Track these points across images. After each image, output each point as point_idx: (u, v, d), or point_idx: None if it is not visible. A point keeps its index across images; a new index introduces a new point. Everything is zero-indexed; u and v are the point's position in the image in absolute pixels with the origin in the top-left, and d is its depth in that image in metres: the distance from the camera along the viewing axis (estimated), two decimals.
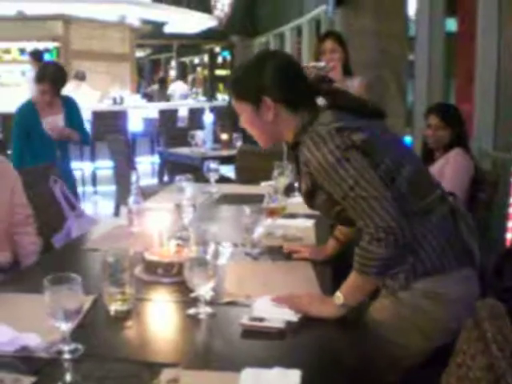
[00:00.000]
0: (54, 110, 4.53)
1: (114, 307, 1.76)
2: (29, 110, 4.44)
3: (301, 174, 1.97)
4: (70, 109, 4.63)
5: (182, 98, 13.30)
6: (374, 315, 1.91)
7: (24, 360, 1.46)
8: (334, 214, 1.94)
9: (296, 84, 1.96)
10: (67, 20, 11.94)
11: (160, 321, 1.80)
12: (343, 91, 2.04)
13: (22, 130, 4.43)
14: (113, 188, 6.62)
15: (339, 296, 1.78)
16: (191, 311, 1.74)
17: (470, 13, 4.97)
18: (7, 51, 11.90)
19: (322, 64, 3.86)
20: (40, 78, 4.36)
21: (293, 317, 1.71)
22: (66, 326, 1.46)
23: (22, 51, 11.53)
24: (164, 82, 15.08)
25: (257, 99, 1.91)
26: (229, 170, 5.88)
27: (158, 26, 15.67)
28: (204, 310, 1.73)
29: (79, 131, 4.67)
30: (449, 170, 3.31)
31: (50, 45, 11.79)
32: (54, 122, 4.45)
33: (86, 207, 5.87)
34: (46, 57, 11.36)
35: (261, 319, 1.66)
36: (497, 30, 4.19)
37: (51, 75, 4.40)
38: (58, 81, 4.48)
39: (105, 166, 8.30)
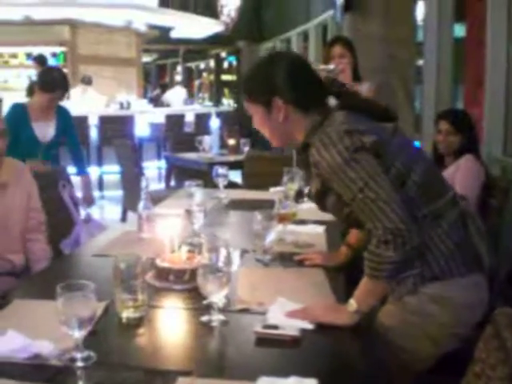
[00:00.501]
0: (47, 116, 4.41)
1: (127, 314, 1.74)
2: (19, 113, 4.32)
3: (311, 175, 1.96)
4: (63, 118, 4.53)
5: (182, 104, 13.28)
6: (383, 321, 1.91)
7: (36, 368, 1.45)
8: (344, 216, 1.93)
9: (306, 85, 1.95)
10: (74, 25, 11.97)
11: (172, 328, 1.78)
12: (354, 92, 2.04)
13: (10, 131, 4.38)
14: (119, 193, 6.61)
15: (352, 303, 1.77)
16: (204, 318, 1.72)
17: (478, 18, 4.96)
18: (14, 56, 11.95)
19: (331, 66, 3.85)
20: (53, 86, 4.27)
21: (307, 324, 1.69)
22: (78, 334, 1.45)
23: (29, 56, 11.56)
24: (166, 88, 15.10)
25: (268, 100, 1.92)
26: (236, 176, 5.86)
27: (164, 31, 15.69)
28: (217, 318, 1.72)
29: (71, 141, 4.60)
30: (460, 177, 3.29)
31: (57, 49, 11.83)
32: (44, 127, 4.39)
33: (93, 212, 5.86)
34: (53, 62, 11.42)
35: (275, 327, 1.65)
36: (506, 34, 4.18)
37: (63, 82, 4.35)
38: (68, 87, 4.44)
39: (111, 171, 8.31)
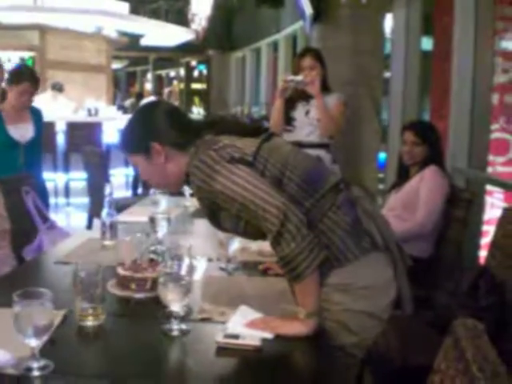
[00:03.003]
0: (22, 118, 4.36)
1: (86, 323, 1.72)
2: None
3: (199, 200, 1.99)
4: (39, 121, 4.49)
5: None
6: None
7: None
8: (242, 229, 1.94)
9: (179, 125, 2.00)
10: (43, 30, 11.88)
11: (132, 337, 1.75)
12: (224, 119, 2.11)
13: None
14: (86, 200, 6.54)
15: (300, 310, 1.77)
16: (165, 327, 1.71)
17: (445, 32, 5.02)
18: None
19: (299, 78, 3.87)
20: (19, 78, 4.21)
21: (268, 333, 1.69)
22: (35, 342, 1.43)
23: None
24: (141, 97, 15.03)
25: (145, 147, 1.95)
26: None
27: (134, 38, 15.64)
28: (178, 327, 1.70)
29: (37, 142, 4.54)
30: (424, 188, 3.32)
31: (26, 54, 11.71)
32: (22, 130, 4.33)
33: (59, 219, 5.78)
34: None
35: (236, 336, 1.64)
36: (472, 48, 4.23)
37: (30, 75, 4.29)
38: (37, 82, 4.35)
39: (78, 178, 8.22)
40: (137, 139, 2.00)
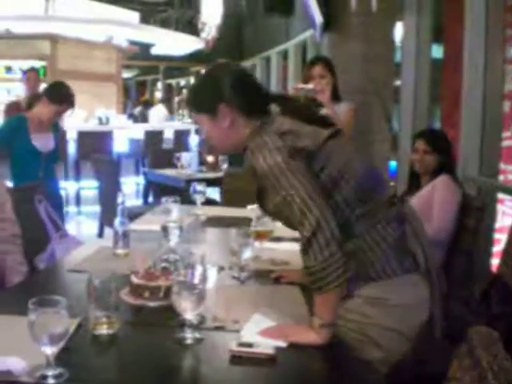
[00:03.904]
0: (44, 128, 4.42)
1: (100, 331, 1.72)
2: (19, 124, 4.31)
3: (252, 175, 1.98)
4: (57, 131, 4.57)
5: (162, 122, 13.26)
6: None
7: None
8: (284, 218, 1.94)
9: (250, 91, 2.00)
10: (55, 39, 11.96)
11: (146, 345, 1.76)
12: (294, 98, 2.09)
13: (4, 138, 4.34)
14: (97, 208, 6.57)
15: (315, 319, 1.77)
16: (178, 336, 1.71)
17: (456, 39, 5.02)
18: None
19: (310, 86, 3.87)
20: (63, 99, 4.29)
21: (282, 342, 1.69)
22: (50, 350, 1.43)
23: (9, 69, 11.50)
24: (148, 105, 15.09)
25: (213, 108, 1.95)
26: (214, 193, 5.86)
27: (145, 48, 15.71)
28: (191, 335, 1.71)
29: (56, 154, 4.62)
30: (437, 198, 3.31)
31: (37, 64, 11.77)
32: (44, 140, 4.38)
33: (70, 227, 5.81)
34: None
35: (249, 345, 1.64)
36: (483, 56, 4.23)
37: (71, 98, 4.36)
38: (74, 105, 4.45)
39: (89, 186, 8.25)
40: (206, 98, 2.00)
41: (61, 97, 4.29)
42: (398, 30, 6.40)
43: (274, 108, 1.99)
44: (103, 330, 1.73)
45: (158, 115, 13.42)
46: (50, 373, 1.45)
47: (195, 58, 18.35)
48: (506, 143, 4.62)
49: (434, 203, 3.30)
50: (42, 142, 4.35)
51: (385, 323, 1.85)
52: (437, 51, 6.13)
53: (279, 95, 2.08)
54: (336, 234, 1.73)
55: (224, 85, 1.96)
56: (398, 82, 6.36)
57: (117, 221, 2.61)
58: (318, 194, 1.77)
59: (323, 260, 1.70)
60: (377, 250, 1.84)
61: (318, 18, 6.46)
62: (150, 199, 6.83)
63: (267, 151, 1.81)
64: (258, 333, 1.73)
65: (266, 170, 1.81)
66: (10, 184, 4.28)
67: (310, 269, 1.74)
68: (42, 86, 6.84)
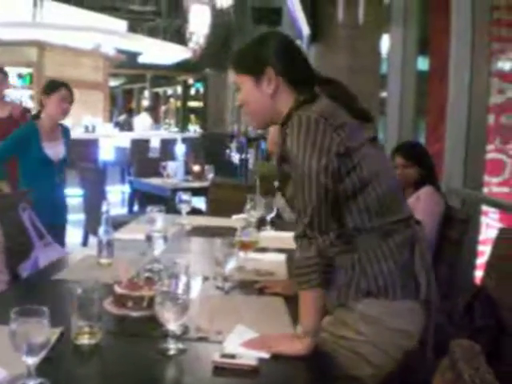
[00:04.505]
0: (56, 136, 4.30)
1: (82, 341, 1.71)
2: (32, 130, 4.17)
3: (280, 152, 1.96)
4: (68, 138, 4.44)
5: (147, 130, 13.23)
6: (322, 349, 1.86)
7: None
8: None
9: (299, 62, 1.98)
10: (42, 46, 11.93)
11: (129, 356, 1.74)
12: (339, 82, 2.03)
13: (15, 146, 4.16)
14: (81, 216, 6.53)
15: (298, 327, 1.78)
16: (161, 346, 1.70)
17: (442, 52, 5.06)
18: None
19: None
20: (56, 85, 4.18)
21: (265, 353, 1.68)
22: (31, 360, 1.42)
23: None
24: (132, 112, 15.10)
25: (259, 70, 1.92)
26: (199, 202, 5.85)
27: (132, 56, 15.71)
28: (174, 346, 1.70)
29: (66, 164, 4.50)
30: (420, 208, 3.32)
31: (24, 70, 11.75)
32: (55, 146, 4.26)
33: None
34: (19, 82, 11.34)
35: (232, 356, 1.63)
36: (469, 68, 4.26)
37: (64, 84, 4.25)
38: (71, 89, 4.29)
39: (74, 194, 8.20)
40: (254, 59, 1.95)
41: (54, 84, 4.15)
42: (385, 42, 6.45)
43: (317, 89, 1.93)
44: (85, 340, 1.71)
45: (142, 123, 13.41)
46: (31, 383, 1.43)
47: (182, 67, 18.40)
48: (490, 156, 4.65)
49: (417, 214, 3.31)
50: (54, 150, 4.24)
51: (377, 342, 1.83)
52: (423, 63, 6.18)
53: (326, 78, 2.00)
54: (323, 242, 1.74)
55: (275, 49, 1.93)
56: (383, 94, 6.40)
57: (101, 229, 2.60)
58: (323, 196, 1.76)
59: (300, 259, 1.76)
60: (384, 266, 1.82)
61: (305, 29, 6.49)
62: (136, 208, 6.81)
63: (306, 129, 1.76)
64: (241, 344, 1.73)
65: (299, 144, 1.76)
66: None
67: (294, 263, 1.80)
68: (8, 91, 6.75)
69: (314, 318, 1.77)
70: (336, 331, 1.86)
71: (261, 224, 3.26)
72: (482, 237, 4.49)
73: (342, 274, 1.83)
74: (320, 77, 2.01)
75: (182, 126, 20.73)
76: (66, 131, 4.46)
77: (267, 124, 2.09)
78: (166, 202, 4.95)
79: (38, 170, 4.14)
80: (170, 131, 16.44)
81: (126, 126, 13.88)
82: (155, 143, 10.62)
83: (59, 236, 3.99)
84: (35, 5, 11.89)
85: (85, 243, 5.95)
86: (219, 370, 1.60)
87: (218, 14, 16.12)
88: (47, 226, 3.38)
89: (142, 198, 6.54)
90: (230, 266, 2.29)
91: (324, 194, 1.76)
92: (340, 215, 1.83)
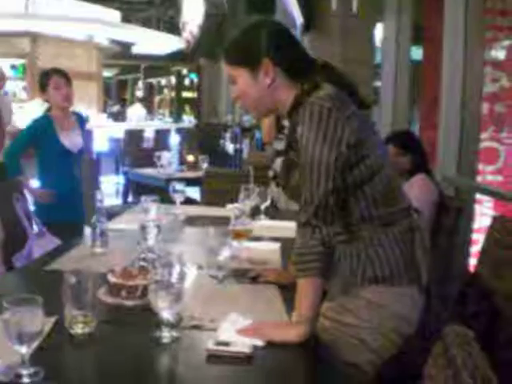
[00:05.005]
0: (70, 125, 4.19)
1: (76, 330, 1.71)
2: (46, 123, 4.08)
3: (287, 142, 1.95)
4: (83, 128, 4.34)
5: (141, 121, 13.18)
6: (322, 337, 1.87)
7: None
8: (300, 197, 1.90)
9: (296, 51, 1.94)
10: (35, 37, 11.86)
11: (123, 344, 1.74)
12: (333, 67, 2.00)
13: (30, 138, 4.09)
14: None
15: (294, 314, 1.78)
16: (155, 335, 1.70)
17: (435, 41, 5.06)
18: None
19: None
20: (46, 76, 4.05)
21: (259, 341, 1.69)
22: (25, 349, 1.42)
23: None
24: (125, 102, 15.05)
25: (255, 61, 1.87)
26: (194, 192, 5.85)
27: (126, 46, 15.64)
28: (168, 334, 1.70)
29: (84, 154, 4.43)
30: (413, 195, 3.31)
31: (17, 62, 11.69)
32: (73, 136, 4.17)
33: None
34: (12, 74, 11.28)
35: (226, 343, 1.63)
36: (462, 57, 4.26)
37: (55, 69, 4.14)
38: (65, 74, 4.14)
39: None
40: (249, 50, 1.89)
41: (44, 76, 4.00)
42: (378, 32, 6.44)
43: (318, 77, 1.89)
44: (79, 329, 1.71)
45: (136, 114, 13.38)
46: (24, 371, 1.43)
47: (176, 57, 18.32)
48: (484, 144, 4.66)
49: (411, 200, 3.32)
50: (71, 140, 4.14)
51: (380, 328, 1.84)
52: (416, 53, 6.18)
53: (321, 64, 1.96)
54: (327, 232, 1.74)
55: (270, 39, 1.87)
56: (377, 83, 6.40)
57: (94, 219, 2.60)
58: (334, 187, 1.76)
59: (302, 246, 1.76)
60: (389, 253, 1.83)
61: (299, 18, 6.47)
62: (130, 198, 6.80)
63: (318, 117, 1.74)
64: (236, 331, 1.73)
65: (306, 136, 1.75)
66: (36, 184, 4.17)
67: (295, 249, 1.79)
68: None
69: (311, 306, 1.77)
70: (338, 317, 1.87)
71: (255, 213, 3.26)
72: (476, 225, 4.50)
73: (347, 263, 1.84)
74: (319, 62, 1.97)
75: (177, 116, 20.68)
76: (80, 120, 4.35)
77: (268, 113, 2.07)
78: (161, 192, 4.95)
79: (56, 162, 4.06)
80: (164, 121, 16.40)
81: (120, 117, 13.85)
82: (149, 134, 10.59)
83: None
84: None
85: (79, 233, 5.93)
86: (213, 358, 1.60)
87: (211, 4, 16.05)
88: (67, 224, 3.35)
89: (137, 189, 6.53)
90: (224, 254, 2.29)
91: (332, 184, 1.76)
92: (346, 205, 1.84)
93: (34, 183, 4.17)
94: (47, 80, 4.08)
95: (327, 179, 1.75)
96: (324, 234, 1.74)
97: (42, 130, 4.05)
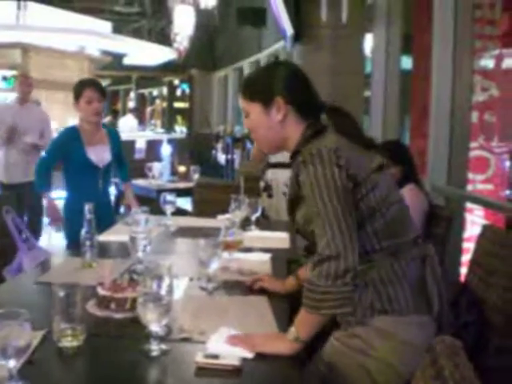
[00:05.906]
0: (99, 139, 4.02)
1: (65, 343, 1.70)
2: (72, 135, 3.93)
3: (292, 182, 1.99)
4: (116, 141, 4.15)
5: (132, 131, 13.14)
6: (325, 358, 1.89)
7: None
8: (310, 232, 1.92)
9: (307, 92, 2.03)
10: (26, 48, 11.85)
11: (112, 358, 1.74)
12: (345, 113, 2.07)
13: (57, 151, 3.98)
14: None
15: (292, 331, 1.78)
16: (144, 348, 1.70)
17: (425, 51, 5.08)
18: None
19: None
20: (80, 87, 3.90)
21: (248, 353, 1.68)
22: (13, 363, 1.41)
23: None
24: (116, 114, 15.03)
25: (269, 98, 1.98)
26: (185, 203, 5.84)
27: (117, 57, 15.66)
28: (157, 347, 1.69)
29: (120, 166, 4.28)
30: None
31: (8, 73, 11.67)
32: (100, 151, 3.99)
33: (41, 238, 5.75)
34: (3, 85, 11.27)
35: (215, 356, 1.63)
36: (451, 67, 4.28)
37: (90, 81, 4.04)
38: (101, 88, 4.01)
39: (59, 197, 8.16)
40: (264, 88, 2.01)
41: (78, 87, 3.76)
42: (368, 42, 6.47)
43: (324, 118, 2.02)
44: (68, 342, 1.71)
45: (127, 125, 13.35)
46: None
47: (168, 68, 18.37)
48: (473, 153, 4.68)
49: None
50: (98, 155, 3.98)
51: (389, 359, 1.81)
52: (406, 63, 6.20)
53: (331, 106, 2.07)
54: (354, 266, 1.74)
55: (285, 79, 2.00)
56: (367, 93, 6.42)
57: (83, 231, 2.59)
58: (351, 224, 1.78)
59: (332, 285, 1.72)
60: (397, 285, 1.82)
61: (289, 29, 6.49)
62: (122, 209, 6.79)
63: (320, 167, 1.79)
64: (226, 339, 1.73)
65: (312, 181, 1.80)
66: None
67: (312, 285, 1.75)
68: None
69: (312, 330, 1.79)
70: (349, 343, 1.86)
71: (245, 224, 3.26)
72: (467, 234, 4.51)
73: (357, 294, 1.82)
74: (327, 105, 2.07)
75: (168, 126, 20.69)
76: (112, 135, 4.18)
77: (277, 149, 2.13)
78: (152, 203, 4.94)
79: (82, 176, 3.93)
80: (155, 132, 16.39)
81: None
82: (141, 144, 10.57)
83: None
84: (19, 7, 11.83)
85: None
86: (202, 370, 1.60)
87: (202, 15, 16.10)
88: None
89: None
90: (214, 266, 2.29)
91: (350, 204, 1.79)
92: None
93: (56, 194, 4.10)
94: (80, 91, 3.93)
95: (343, 214, 1.77)
96: (348, 263, 1.73)
97: (68, 141, 3.94)
